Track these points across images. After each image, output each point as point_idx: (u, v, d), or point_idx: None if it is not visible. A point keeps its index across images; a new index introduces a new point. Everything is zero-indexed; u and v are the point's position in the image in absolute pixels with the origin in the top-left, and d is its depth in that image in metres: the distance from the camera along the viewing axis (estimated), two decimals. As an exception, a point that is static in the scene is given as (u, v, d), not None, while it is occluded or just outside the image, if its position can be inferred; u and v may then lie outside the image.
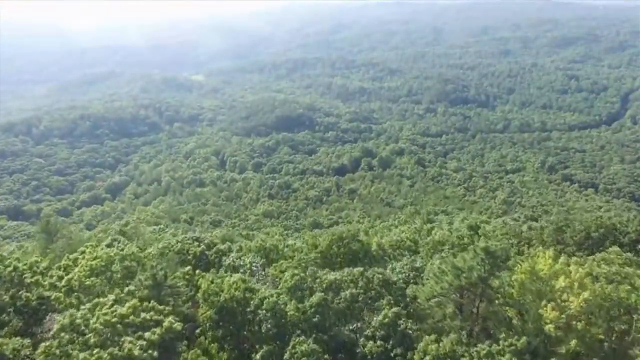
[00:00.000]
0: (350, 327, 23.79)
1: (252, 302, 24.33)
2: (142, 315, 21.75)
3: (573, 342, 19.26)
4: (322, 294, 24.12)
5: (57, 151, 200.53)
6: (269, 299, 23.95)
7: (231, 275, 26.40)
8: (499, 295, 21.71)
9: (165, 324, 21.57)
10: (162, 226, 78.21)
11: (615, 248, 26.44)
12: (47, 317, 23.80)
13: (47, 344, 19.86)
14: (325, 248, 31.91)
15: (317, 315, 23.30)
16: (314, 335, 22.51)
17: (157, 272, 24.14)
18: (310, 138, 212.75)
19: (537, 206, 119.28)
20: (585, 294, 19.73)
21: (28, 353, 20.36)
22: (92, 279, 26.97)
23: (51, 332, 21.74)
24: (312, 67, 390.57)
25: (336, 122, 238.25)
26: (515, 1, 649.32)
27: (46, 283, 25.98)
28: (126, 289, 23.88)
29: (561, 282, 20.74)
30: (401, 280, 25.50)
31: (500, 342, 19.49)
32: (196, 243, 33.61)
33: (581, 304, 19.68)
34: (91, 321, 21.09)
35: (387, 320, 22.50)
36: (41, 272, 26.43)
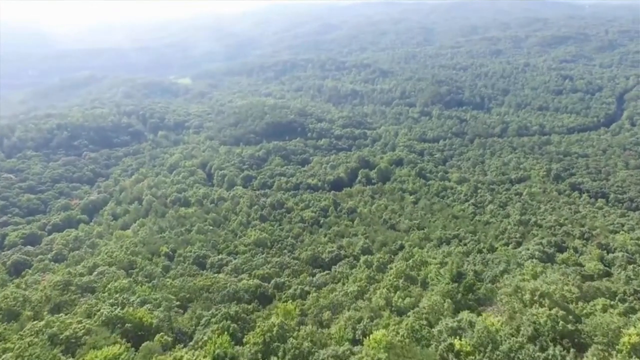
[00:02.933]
0: None
1: None
2: None
3: None
4: None
5: (30, 165, 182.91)
6: None
7: None
8: None
9: None
10: (132, 281, 63.26)
11: None
12: None
13: None
14: None
15: None
16: None
17: None
18: (303, 146, 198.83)
19: (555, 226, 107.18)
20: None
21: None
22: None
23: None
24: (302, 69, 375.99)
25: (329, 128, 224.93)
26: (503, 0, 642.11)
27: None
28: None
29: None
30: None
31: None
32: None
33: None
34: None
35: None
36: None
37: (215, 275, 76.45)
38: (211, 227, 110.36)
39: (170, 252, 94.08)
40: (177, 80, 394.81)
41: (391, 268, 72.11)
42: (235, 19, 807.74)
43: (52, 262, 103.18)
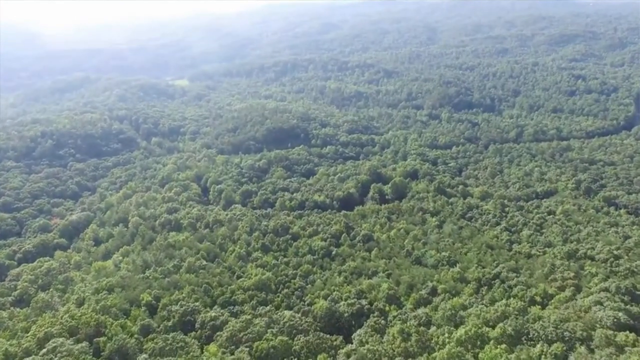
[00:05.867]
0: None
1: None
2: None
3: None
4: None
5: (8, 178, 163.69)
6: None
7: None
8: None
9: None
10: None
11: None
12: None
13: None
14: None
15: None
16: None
17: None
18: (307, 155, 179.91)
19: (609, 259, 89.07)
20: None
21: None
22: None
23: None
24: (303, 70, 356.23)
25: (334, 134, 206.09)
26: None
27: None
28: None
29: None
30: None
31: None
32: None
33: None
34: None
35: None
36: None
37: (205, 347, 58.17)
38: (204, 262, 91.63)
39: (154, 301, 75.52)
40: (174, 82, 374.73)
41: (437, 344, 54.04)
42: (233, 19, 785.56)
43: (13, 307, 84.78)
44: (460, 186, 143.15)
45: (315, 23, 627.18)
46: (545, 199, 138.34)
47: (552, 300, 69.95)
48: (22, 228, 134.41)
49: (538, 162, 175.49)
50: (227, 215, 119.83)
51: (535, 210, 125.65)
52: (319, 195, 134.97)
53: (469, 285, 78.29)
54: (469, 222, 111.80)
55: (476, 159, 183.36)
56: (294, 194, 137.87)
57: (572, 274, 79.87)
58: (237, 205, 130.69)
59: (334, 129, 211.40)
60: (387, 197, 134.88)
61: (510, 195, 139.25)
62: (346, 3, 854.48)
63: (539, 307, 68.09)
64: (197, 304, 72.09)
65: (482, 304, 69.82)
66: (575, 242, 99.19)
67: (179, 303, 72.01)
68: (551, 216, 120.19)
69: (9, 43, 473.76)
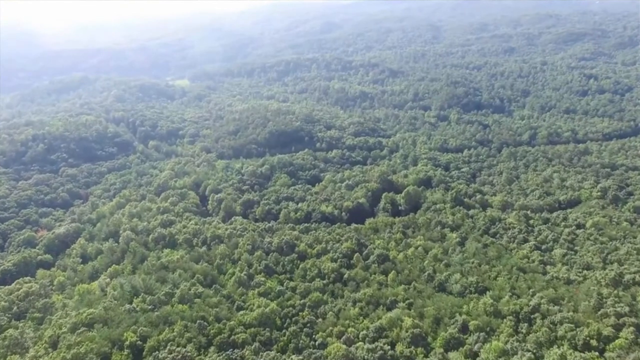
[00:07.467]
0: None
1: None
2: None
3: None
4: None
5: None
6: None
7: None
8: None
9: None
10: None
11: None
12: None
13: None
14: None
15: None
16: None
17: None
18: (312, 160, 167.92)
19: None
20: None
21: None
22: None
23: None
24: (306, 69, 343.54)
25: (340, 136, 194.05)
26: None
27: None
28: None
29: None
30: None
31: None
32: None
33: None
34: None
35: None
36: None
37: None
38: (200, 289, 79.83)
39: (139, 341, 63.85)
40: (175, 82, 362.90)
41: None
42: (234, 18, 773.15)
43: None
44: (478, 195, 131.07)
45: (318, 22, 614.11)
46: (570, 209, 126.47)
47: (611, 346, 58.11)
48: (6, 241, 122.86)
49: (556, 166, 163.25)
50: (226, 229, 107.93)
51: (563, 223, 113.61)
52: (327, 206, 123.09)
53: (505, 320, 66.53)
54: (494, 239, 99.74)
55: (490, 163, 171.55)
56: (299, 204, 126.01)
57: (626, 309, 67.83)
58: (237, 217, 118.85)
59: (340, 132, 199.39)
60: (400, 207, 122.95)
61: (532, 205, 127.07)
62: (348, 2, 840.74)
63: (597, 354, 56.30)
64: (189, 347, 60.50)
65: (527, 349, 58.06)
66: (616, 264, 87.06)
67: (168, 347, 60.41)
68: (582, 230, 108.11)
69: (8, 43, 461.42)
